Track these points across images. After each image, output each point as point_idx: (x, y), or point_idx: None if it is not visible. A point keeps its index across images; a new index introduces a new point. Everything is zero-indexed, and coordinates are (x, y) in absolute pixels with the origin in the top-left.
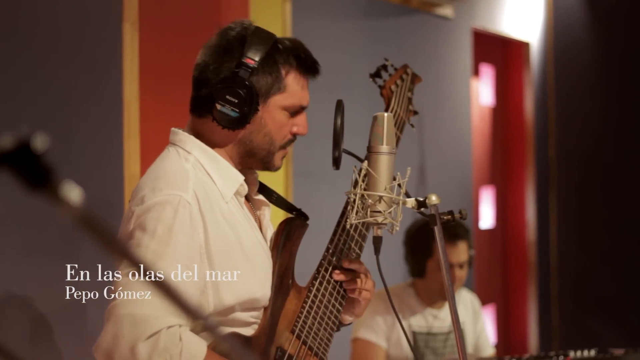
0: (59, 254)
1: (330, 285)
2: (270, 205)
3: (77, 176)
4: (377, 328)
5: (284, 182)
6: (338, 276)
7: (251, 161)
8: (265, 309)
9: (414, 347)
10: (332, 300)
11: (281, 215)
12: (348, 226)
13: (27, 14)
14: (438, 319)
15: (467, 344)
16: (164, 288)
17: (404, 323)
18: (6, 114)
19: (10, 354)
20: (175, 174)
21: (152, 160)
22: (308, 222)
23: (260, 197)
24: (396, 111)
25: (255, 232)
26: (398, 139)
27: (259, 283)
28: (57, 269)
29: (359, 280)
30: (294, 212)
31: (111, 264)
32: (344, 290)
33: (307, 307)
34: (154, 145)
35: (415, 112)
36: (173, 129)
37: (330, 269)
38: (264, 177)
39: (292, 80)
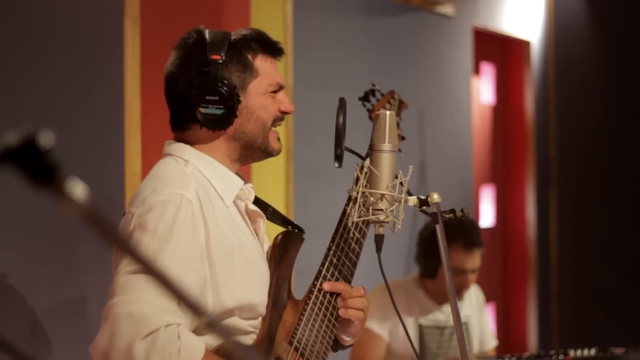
0: (59, 251)
1: (327, 299)
2: (265, 218)
3: (78, 173)
4: (382, 320)
5: (285, 181)
6: (327, 287)
7: (251, 153)
8: (264, 319)
9: (421, 341)
10: (328, 315)
11: (275, 229)
12: (350, 224)
13: (27, 12)
14: (445, 313)
15: (473, 337)
16: (168, 285)
17: (412, 318)
18: (7, 110)
19: (12, 348)
20: (176, 176)
21: (153, 157)
22: (304, 235)
23: (256, 208)
24: None
25: (255, 239)
26: None
27: (257, 289)
28: (57, 266)
29: (347, 300)
30: (289, 226)
31: (112, 261)
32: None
33: (304, 319)
34: (155, 142)
35: (403, 137)
36: (167, 141)
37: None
38: (264, 173)
39: (261, 63)
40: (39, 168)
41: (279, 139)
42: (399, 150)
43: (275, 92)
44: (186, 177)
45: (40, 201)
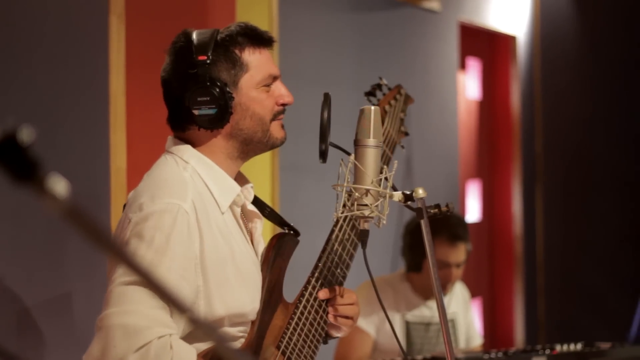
0: (44, 248)
1: (317, 302)
2: (262, 218)
3: (63, 169)
4: (369, 316)
5: (270, 176)
6: (322, 294)
7: (252, 148)
8: (253, 323)
9: (407, 337)
10: (318, 318)
11: (271, 229)
12: (341, 222)
13: (12, 7)
14: (432, 310)
15: (459, 334)
16: (148, 279)
17: (399, 314)
18: None
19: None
20: (174, 183)
21: (138, 152)
22: (299, 237)
23: (253, 208)
24: (388, 131)
25: (247, 245)
26: (389, 160)
27: (249, 297)
28: (43, 262)
29: (338, 307)
30: (285, 228)
31: (98, 258)
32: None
33: (293, 324)
34: (140, 139)
35: (407, 134)
36: (170, 137)
37: (317, 286)
38: (250, 168)
39: (250, 56)
40: (20, 164)
41: (283, 127)
42: (402, 146)
43: (269, 84)
44: (184, 185)
45: (24, 198)
